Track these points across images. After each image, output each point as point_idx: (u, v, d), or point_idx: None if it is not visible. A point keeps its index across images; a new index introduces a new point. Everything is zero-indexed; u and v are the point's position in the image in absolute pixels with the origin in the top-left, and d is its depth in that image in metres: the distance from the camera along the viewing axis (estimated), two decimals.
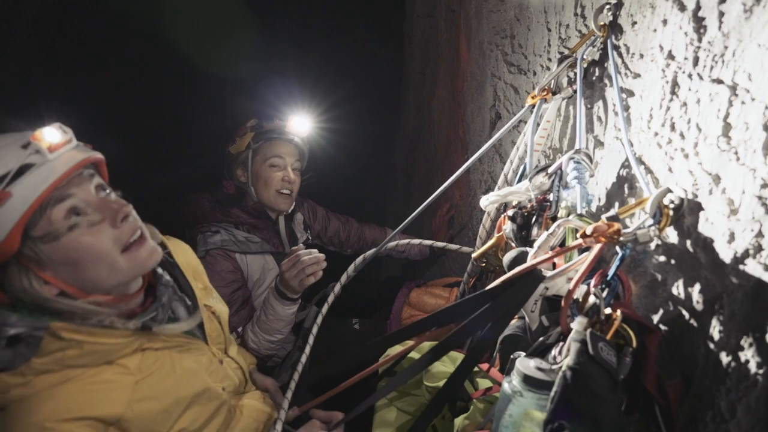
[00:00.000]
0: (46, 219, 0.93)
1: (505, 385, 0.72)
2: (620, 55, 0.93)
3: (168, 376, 1.07)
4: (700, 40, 0.69)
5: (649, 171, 0.80)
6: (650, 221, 0.69)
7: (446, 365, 1.28)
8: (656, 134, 0.78)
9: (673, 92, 0.75)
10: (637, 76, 0.87)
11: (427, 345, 1.33)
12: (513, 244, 1.02)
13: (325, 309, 1.42)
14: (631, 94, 0.88)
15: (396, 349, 1.22)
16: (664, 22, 0.78)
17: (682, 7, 0.73)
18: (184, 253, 1.36)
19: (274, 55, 4.24)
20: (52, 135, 0.94)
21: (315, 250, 1.77)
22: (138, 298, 1.12)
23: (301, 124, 2.12)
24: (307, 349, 1.32)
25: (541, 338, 0.86)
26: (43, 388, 0.93)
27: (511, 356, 0.90)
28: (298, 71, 4.07)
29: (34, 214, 0.90)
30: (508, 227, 1.01)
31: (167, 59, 4.02)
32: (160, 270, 1.19)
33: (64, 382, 0.94)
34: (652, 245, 0.77)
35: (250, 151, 2.07)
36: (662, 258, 0.75)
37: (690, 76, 0.71)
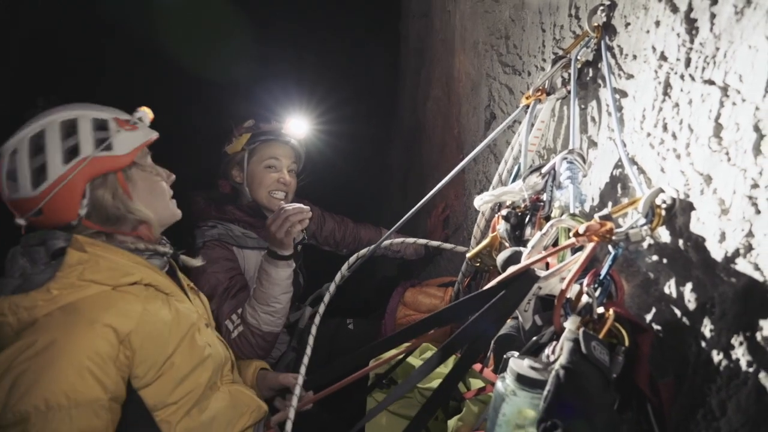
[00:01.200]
0: (144, 157, 1.31)
1: (499, 385, 0.72)
2: (614, 56, 0.94)
3: (167, 311, 1.22)
4: (692, 41, 0.70)
5: (641, 171, 0.81)
6: (642, 221, 0.69)
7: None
8: (649, 135, 0.79)
9: (665, 93, 0.75)
10: (630, 76, 0.87)
11: (424, 347, 1.33)
12: (507, 244, 1.02)
13: (321, 309, 1.41)
14: (624, 94, 0.89)
15: (391, 352, 1.22)
16: (657, 23, 0.78)
17: (675, 9, 0.74)
18: None
19: (270, 58, 4.23)
20: (150, 111, 1.32)
21: (299, 204, 1.77)
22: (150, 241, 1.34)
23: (297, 126, 2.12)
24: (309, 351, 1.31)
25: (534, 337, 0.86)
26: (67, 301, 1.08)
27: (505, 356, 0.90)
28: (294, 73, 4.07)
29: (143, 150, 1.27)
30: (501, 227, 1.02)
31: (164, 62, 4.01)
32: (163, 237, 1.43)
33: (84, 297, 1.10)
34: (645, 245, 0.77)
35: (246, 151, 2.07)
36: (654, 257, 0.76)
37: (682, 77, 0.71)
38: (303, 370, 1.24)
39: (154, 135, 1.30)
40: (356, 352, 1.03)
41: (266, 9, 4.14)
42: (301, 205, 1.76)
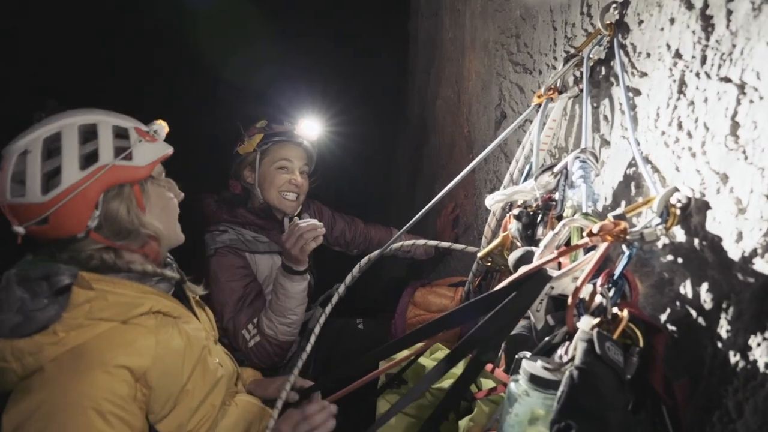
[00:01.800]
0: (160, 172, 1.25)
1: (512, 385, 0.72)
2: (627, 53, 0.93)
3: (178, 338, 1.17)
4: (707, 38, 0.69)
5: (655, 170, 0.80)
6: (657, 220, 0.68)
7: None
8: (663, 133, 0.78)
9: (680, 91, 0.75)
10: (643, 75, 0.86)
11: (435, 347, 1.33)
12: (518, 244, 1.02)
13: (328, 309, 1.42)
14: (637, 93, 0.88)
15: (402, 353, 1.22)
16: (672, 20, 0.78)
17: (690, 6, 0.73)
18: None
19: (282, 59, 4.24)
20: (166, 125, 1.27)
21: (314, 220, 1.80)
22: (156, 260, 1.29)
23: (310, 127, 2.12)
24: (308, 347, 1.32)
25: (546, 338, 0.86)
26: (75, 344, 1.01)
27: (516, 356, 0.90)
28: (306, 74, 4.08)
29: (160, 163, 1.22)
30: (513, 226, 1.01)
31: (178, 64, 4.04)
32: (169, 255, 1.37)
33: (94, 337, 1.03)
34: (659, 244, 0.76)
35: (258, 152, 2.07)
36: (669, 257, 0.75)
37: (698, 74, 0.71)
38: (292, 378, 1.28)
39: (170, 150, 1.25)
40: (366, 355, 1.04)
41: (280, 9, 4.16)
42: (315, 222, 1.79)
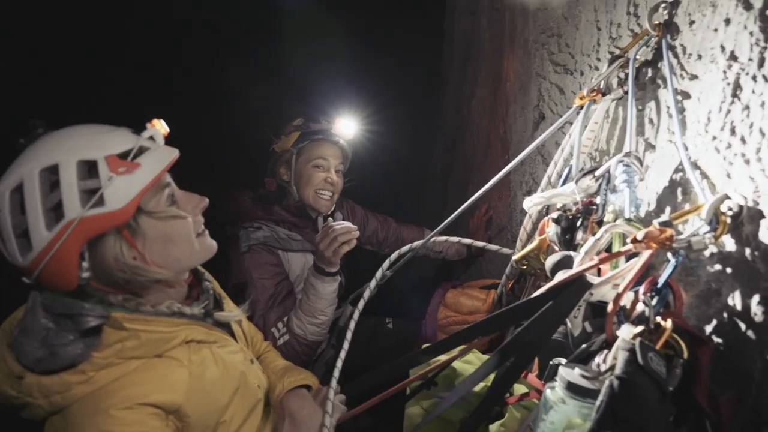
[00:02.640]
0: (157, 198, 1.02)
1: (548, 392, 0.71)
2: (676, 55, 0.90)
3: (214, 367, 1.10)
4: (766, 40, 0.66)
5: (705, 176, 0.77)
6: (706, 228, 0.66)
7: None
8: (714, 138, 0.75)
9: (734, 95, 0.72)
10: (694, 77, 0.83)
11: (476, 359, 1.30)
12: (556, 248, 1.00)
13: (361, 304, 1.42)
14: (687, 96, 0.85)
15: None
16: (727, 21, 0.75)
17: (748, 6, 0.70)
18: None
19: (323, 56, 4.27)
20: (164, 125, 1.04)
21: (348, 222, 1.80)
22: (184, 288, 1.18)
23: (347, 126, 2.13)
24: (346, 345, 1.33)
25: (583, 345, 0.84)
26: (105, 382, 0.96)
27: (551, 362, 0.88)
28: (344, 72, 4.10)
29: (150, 189, 0.99)
30: (551, 230, 0.99)
31: (216, 61, 4.13)
32: (200, 267, 1.26)
33: (124, 375, 0.97)
34: (707, 253, 0.74)
35: (295, 150, 2.08)
36: (717, 267, 0.72)
37: (754, 78, 0.68)
38: (332, 394, 1.24)
39: (169, 159, 1.03)
40: (402, 359, 1.04)
41: (319, 7, 4.19)
42: (349, 224, 1.79)
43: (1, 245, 0.94)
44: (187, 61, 4.13)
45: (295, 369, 1.47)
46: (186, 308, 1.08)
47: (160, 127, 1.03)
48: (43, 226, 0.90)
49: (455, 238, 1.62)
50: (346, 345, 1.35)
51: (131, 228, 0.99)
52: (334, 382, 1.27)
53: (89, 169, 0.93)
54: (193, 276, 1.24)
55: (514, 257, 1.18)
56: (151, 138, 1.01)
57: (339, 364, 1.31)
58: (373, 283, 1.48)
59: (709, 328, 0.74)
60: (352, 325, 1.38)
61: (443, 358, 1.11)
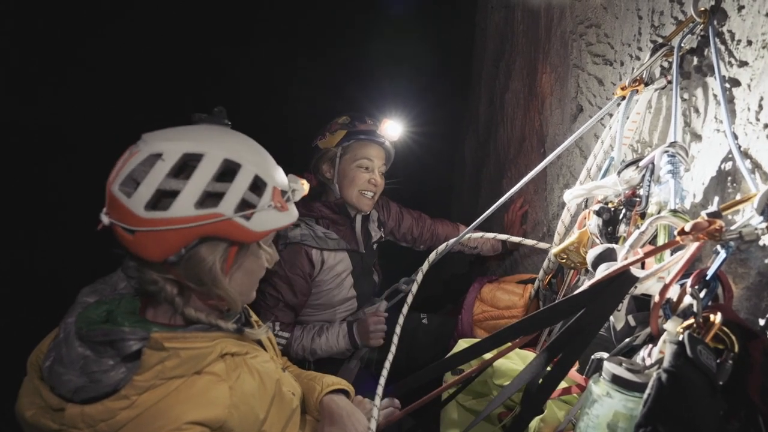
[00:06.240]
0: (268, 239, 1.10)
1: (592, 386, 0.71)
2: (723, 42, 0.87)
3: (251, 379, 1.11)
4: None
5: (756, 165, 0.75)
6: (758, 219, 0.64)
7: (515, 362, 1.26)
8: (766, 126, 0.73)
9: None
10: (743, 64, 0.81)
11: (513, 354, 1.29)
12: (598, 241, 0.99)
13: (405, 309, 1.42)
14: (736, 83, 0.82)
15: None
16: None
17: None
18: None
19: (363, 55, 4.28)
20: (306, 188, 1.17)
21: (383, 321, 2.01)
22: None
23: (393, 128, 2.12)
24: (392, 352, 1.34)
25: (627, 339, 0.83)
26: (148, 405, 0.95)
27: (593, 356, 0.88)
28: (385, 70, 4.10)
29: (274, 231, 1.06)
30: (592, 223, 0.98)
31: (260, 60, 4.21)
32: None
33: (167, 395, 0.97)
34: (759, 244, 0.72)
35: (340, 148, 2.09)
36: None
37: None
38: (376, 412, 1.22)
39: (292, 219, 1.09)
40: (443, 361, 1.04)
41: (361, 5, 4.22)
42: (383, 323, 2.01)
43: (131, 188, 0.94)
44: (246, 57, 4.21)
45: (328, 375, 1.47)
46: (221, 322, 1.09)
47: (306, 187, 1.16)
48: (196, 201, 0.94)
49: (491, 234, 1.61)
50: (393, 348, 1.35)
51: (240, 251, 1.05)
52: (380, 389, 1.25)
53: (258, 186, 1.00)
54: None
55: (553, 251, 1.17)
56: (294, 192, 1.11)
57: (387, 365, 1.29)
58: (414, 287, 1.48)
59: (762, 322, 0.72)
60: (398, 329, 1.39)
61: (488, 356, 1.11)
